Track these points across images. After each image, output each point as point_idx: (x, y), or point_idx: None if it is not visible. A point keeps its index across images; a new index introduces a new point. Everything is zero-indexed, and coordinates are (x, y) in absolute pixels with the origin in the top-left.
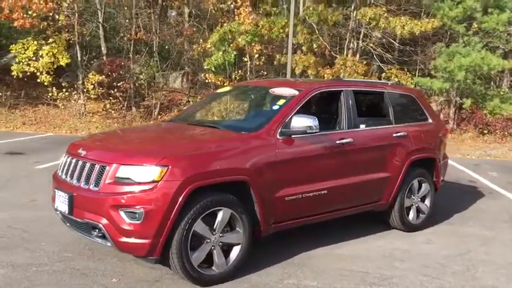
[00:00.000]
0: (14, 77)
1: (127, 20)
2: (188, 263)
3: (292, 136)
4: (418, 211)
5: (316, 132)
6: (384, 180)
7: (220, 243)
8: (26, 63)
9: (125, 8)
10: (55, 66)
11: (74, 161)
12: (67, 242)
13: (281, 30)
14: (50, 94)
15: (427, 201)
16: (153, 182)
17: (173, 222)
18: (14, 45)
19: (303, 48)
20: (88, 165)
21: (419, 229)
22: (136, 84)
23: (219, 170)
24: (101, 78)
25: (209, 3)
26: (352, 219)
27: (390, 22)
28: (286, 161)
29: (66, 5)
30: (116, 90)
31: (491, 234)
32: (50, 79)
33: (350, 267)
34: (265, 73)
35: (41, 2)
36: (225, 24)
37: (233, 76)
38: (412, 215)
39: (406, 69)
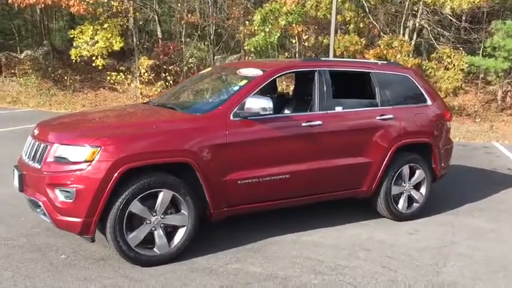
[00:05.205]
0: (73, 61)
1: (179, 5)
2: (124, 242)
3: (249, 118)
4: (411, 199)
5: (270, 114)
6: (364, 166)
7: (162, 225)
8: (83, 47)
9: None
10: (109, 51)
11: (30, 140)
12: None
13: (328, 6)
14: (108, 78)
15: (422, 189)
16: (86, 162)
17: (105, 202)
18: (73, 30)
19: (350, 27)
20: (36, 144)
21: (411, 218)
22: (187, 67)
23: (155, 151)
24: (151, 62)
25: None
26: (340, 205)
27: None
28: (239, 143)
29: None
30: (166, 73)
31: (490, 227)
32: (104, 63)
33: (307, 255)
34: (313, 54)
35: None
36: (266, 5)
37: (279, 58)
38: (402, 203)
39: (463, 49)
